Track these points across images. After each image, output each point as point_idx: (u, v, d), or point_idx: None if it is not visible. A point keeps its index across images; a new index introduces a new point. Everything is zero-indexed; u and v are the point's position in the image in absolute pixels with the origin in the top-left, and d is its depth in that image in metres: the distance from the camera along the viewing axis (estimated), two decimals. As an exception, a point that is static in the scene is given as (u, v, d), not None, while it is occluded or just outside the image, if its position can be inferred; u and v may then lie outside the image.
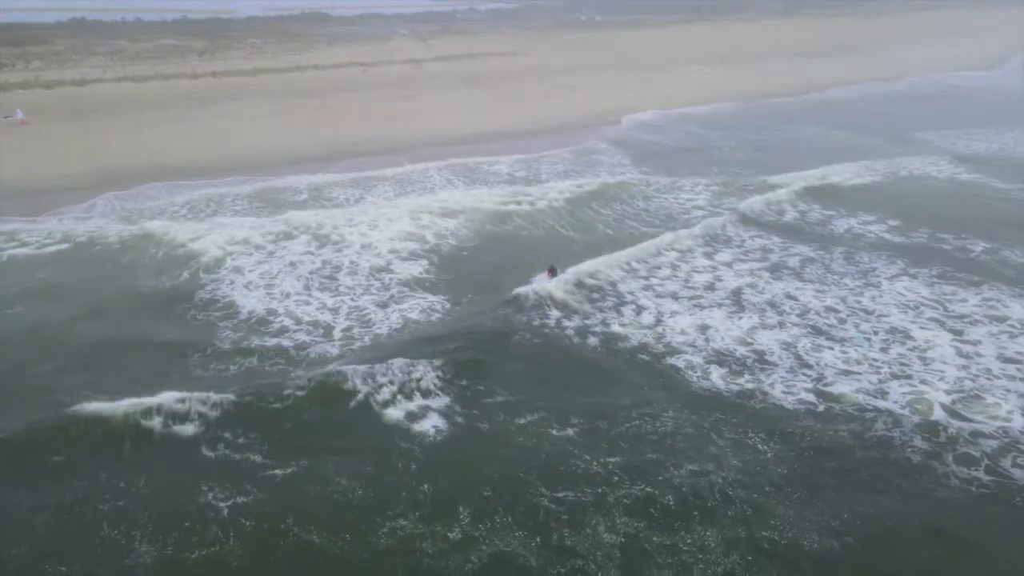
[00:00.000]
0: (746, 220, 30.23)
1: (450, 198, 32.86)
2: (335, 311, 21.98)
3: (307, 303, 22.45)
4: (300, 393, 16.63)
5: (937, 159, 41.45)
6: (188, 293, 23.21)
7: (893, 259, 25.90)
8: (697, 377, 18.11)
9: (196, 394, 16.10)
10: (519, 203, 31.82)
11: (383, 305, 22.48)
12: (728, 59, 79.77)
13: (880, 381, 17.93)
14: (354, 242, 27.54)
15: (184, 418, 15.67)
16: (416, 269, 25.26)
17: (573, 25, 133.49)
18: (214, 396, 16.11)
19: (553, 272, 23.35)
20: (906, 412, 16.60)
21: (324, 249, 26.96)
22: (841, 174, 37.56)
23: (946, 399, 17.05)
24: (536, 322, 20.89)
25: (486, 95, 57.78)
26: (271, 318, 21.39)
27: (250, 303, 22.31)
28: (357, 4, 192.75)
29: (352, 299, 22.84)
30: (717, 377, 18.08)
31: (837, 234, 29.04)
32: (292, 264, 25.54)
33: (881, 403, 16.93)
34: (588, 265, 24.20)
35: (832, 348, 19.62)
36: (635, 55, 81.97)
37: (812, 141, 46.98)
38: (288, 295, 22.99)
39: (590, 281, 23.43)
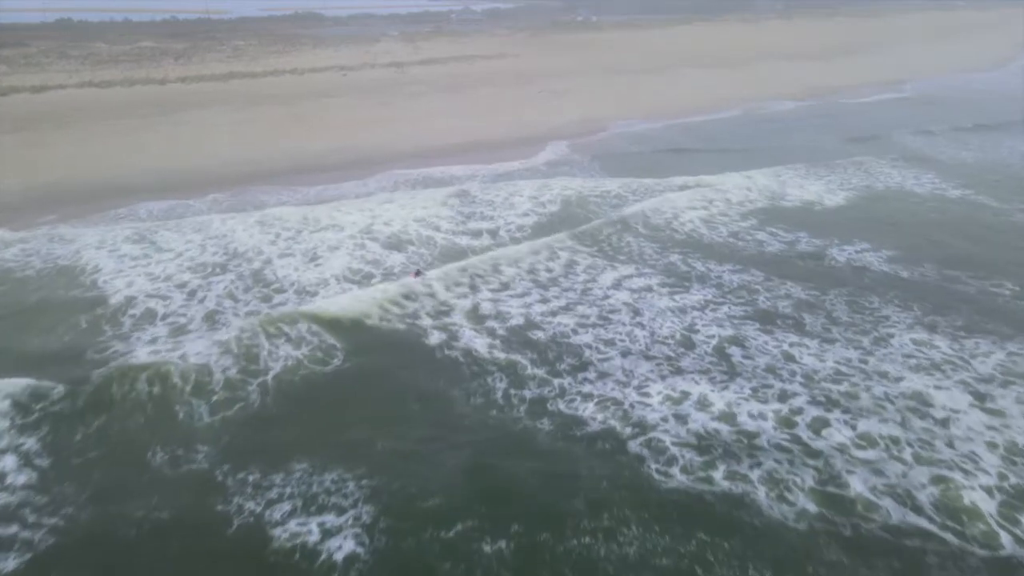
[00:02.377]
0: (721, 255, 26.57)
1: (397, 229, 28.99)
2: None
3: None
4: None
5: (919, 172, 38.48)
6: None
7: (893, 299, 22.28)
8: (666, 471, 14.45)
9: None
10: (478, 232, 28.23)
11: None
12: (725, 61, 75.99)
13: (904, 472, 14.25)
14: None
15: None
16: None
17: (568, 26, 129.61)
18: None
19: (419, 274, 23.04)
20: (948, 534, 12.87)
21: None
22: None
23: (991, 505, 13.40)
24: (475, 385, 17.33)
25: (467, 102, 54.11)
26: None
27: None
28: (352, 4, 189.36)
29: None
30: (694, 472, 14.43)
31: (834, 270, 25.34)
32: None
33: (912, 518, 13.20)
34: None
35: (839, 420, 15.97)
36: (628, 57, 78.24)
37: (810, 150, 43.28)
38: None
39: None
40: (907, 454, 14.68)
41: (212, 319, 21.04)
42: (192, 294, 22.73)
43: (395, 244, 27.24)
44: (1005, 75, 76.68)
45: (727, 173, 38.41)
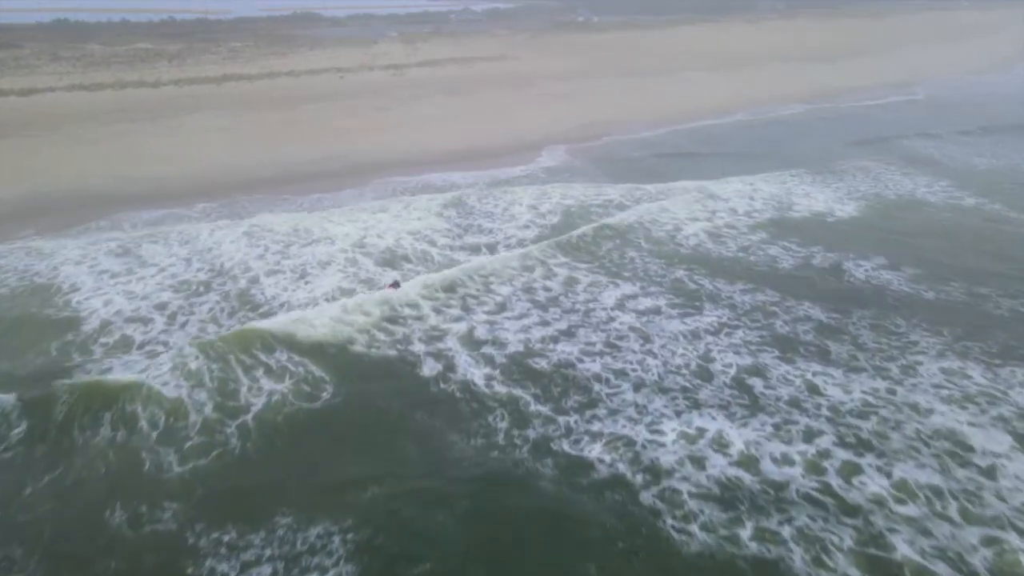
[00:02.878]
0: (731, 272, 25.08)
1: (391, 243, 27.52)
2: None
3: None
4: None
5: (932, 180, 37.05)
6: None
7: (920, 322, 20.77)
8: (686, 529, 12.98)
9: None
10: (475, 248, 26.72)
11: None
12: (730, 63, 74.41)
13: (952, 533, 12.80)
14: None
15: None
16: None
17: (569, 27, 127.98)
18: None
19: (396, 285, 22.39)
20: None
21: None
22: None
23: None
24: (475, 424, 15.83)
25: (466, 106, 52.58)
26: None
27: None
28: (351, 4, 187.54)
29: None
30: (717, 529, 12.95)
31: (854, 288, 23.85)
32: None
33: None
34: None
35: (872, 466, 14.49)
36: (631, 59, 76.67)
37: (820, 158, 41.77)
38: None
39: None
40: (952, 509, 13.20)
41: (192, 347, 19.53)
42: (172, 317, 21.21)
43: (389, 260, 25.73)
44: (1012, 77, 75.25)
45: (732, 180, 37.09)
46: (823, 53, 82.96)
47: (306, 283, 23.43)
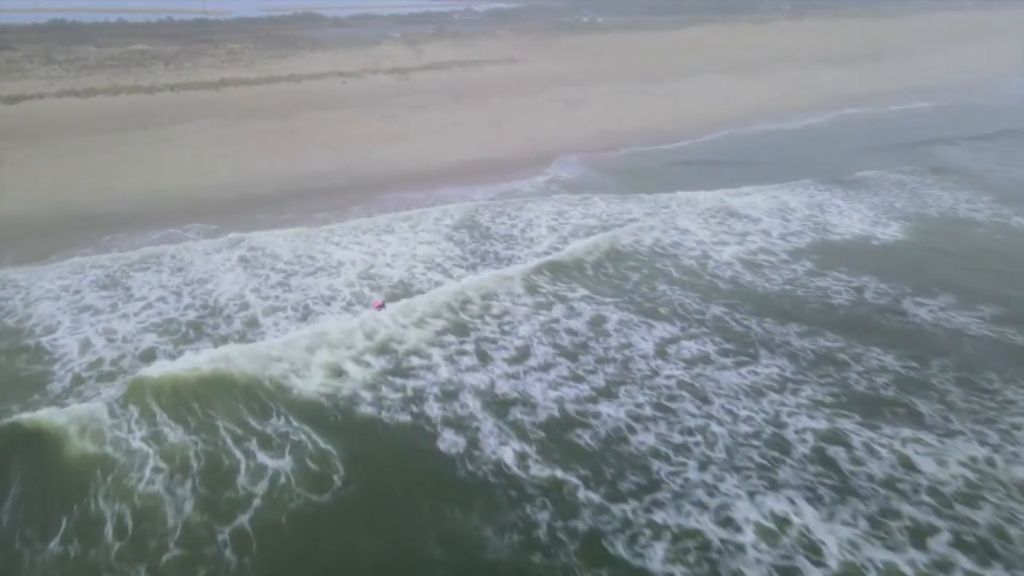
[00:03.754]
0: (779, 309, 22.40)
1: (402, 275, 24.95)
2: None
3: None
4: None
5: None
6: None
7: (1015, 376, 18.02)
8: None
9: None
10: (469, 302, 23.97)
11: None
12: (745, 67, 71.43)
13: None
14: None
15: None
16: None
17: (574, 27, 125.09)
18: None
19: (382, 306, 20.91)
20: None
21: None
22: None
23: None
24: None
25: (475, 113, 49.73)
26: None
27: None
28: (352, 4, 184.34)
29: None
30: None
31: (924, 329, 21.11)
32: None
33: None
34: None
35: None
36: (642, 63, 73.75)
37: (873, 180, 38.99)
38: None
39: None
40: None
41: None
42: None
43: (400, 295, 22.94)
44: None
45: (759, 194, 34.58)
46: (839, 56, 79.99)
47: (308, 325, 20.62)
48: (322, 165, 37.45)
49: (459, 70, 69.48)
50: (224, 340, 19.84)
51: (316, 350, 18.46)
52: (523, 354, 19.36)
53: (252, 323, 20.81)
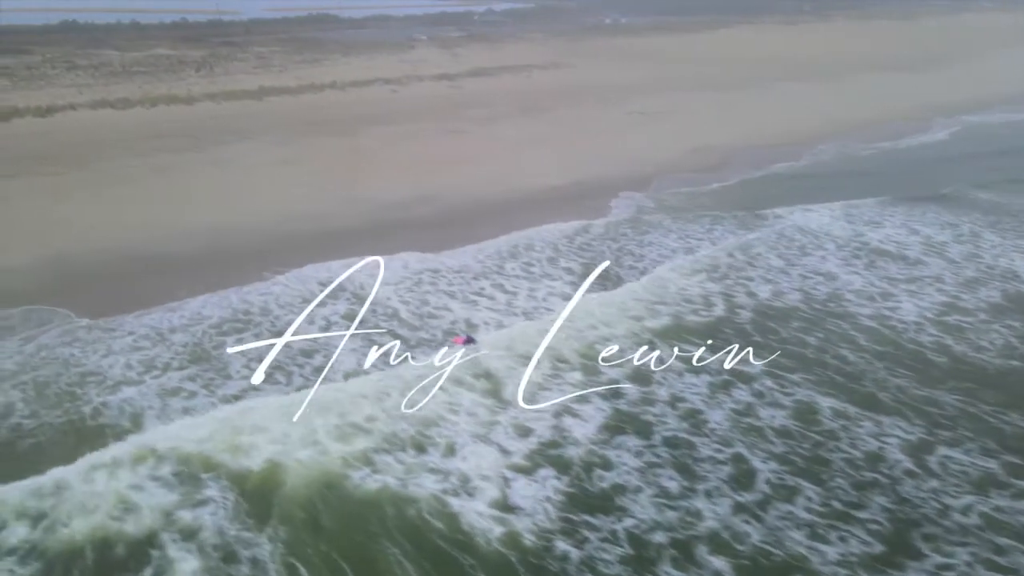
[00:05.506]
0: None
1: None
2: None
3: None
4: None
5: None
6: None
7: None
8: None
9: None
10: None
11: None
12: (813, 73, 66.64)
13: None
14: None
15: None
16: None
17: (600, 29, 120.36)
18: None
19: (469, 341, 19.43)
20: None
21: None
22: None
23: None
24: None
25: (547, 128, 45.02)
26: None
27: None
28: (364, 4, 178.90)
29: None
30: None
31: None
32: None
33: None
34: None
35: None
36: (700, 68, 69.02)
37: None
38: None
39: None
40: None
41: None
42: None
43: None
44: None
45: (910, 230, 30.47)
46: (899, 61, 75.25)
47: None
48: (402, 191, 32.75)
49: (508, 77, 64.73)
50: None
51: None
52: (743, 473, 14.96)
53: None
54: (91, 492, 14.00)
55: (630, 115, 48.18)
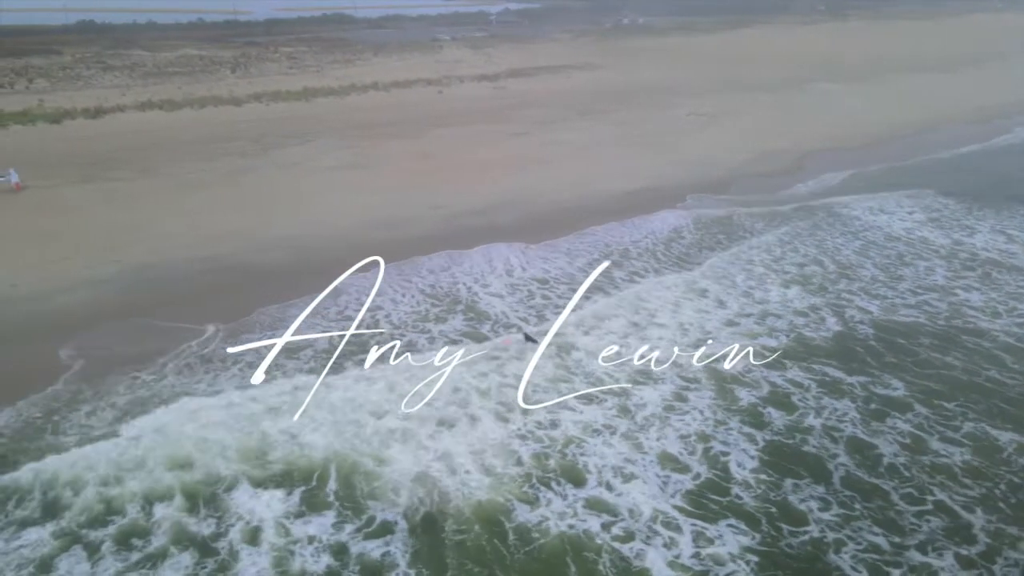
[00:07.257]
0: None
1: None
2: None
3: None
4: None
5: None
6: None
7: None
8: None
9: None
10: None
11: None
12: (854, 74, 65.09)
13: None
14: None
15: None
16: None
17: (622, 30, 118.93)
18: None
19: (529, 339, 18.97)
20: None
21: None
22: None
23: None
24: None
25: (608, 130, 43.64)
26: None
27: None
28: (375, 4, 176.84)
29: None
30: None
31: None
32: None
33: None
34: None
35: None
36: (739, 70, 67.55)
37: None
38: None
39: None
40: None
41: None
42: None
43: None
44: None
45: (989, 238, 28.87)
46: (937, 62, 73.46)
47: None
48: (479, 196, 31.39)
49: (549, 78, 63.27)
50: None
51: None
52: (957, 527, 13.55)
53: None
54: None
55: (689, 116, 46.78)
